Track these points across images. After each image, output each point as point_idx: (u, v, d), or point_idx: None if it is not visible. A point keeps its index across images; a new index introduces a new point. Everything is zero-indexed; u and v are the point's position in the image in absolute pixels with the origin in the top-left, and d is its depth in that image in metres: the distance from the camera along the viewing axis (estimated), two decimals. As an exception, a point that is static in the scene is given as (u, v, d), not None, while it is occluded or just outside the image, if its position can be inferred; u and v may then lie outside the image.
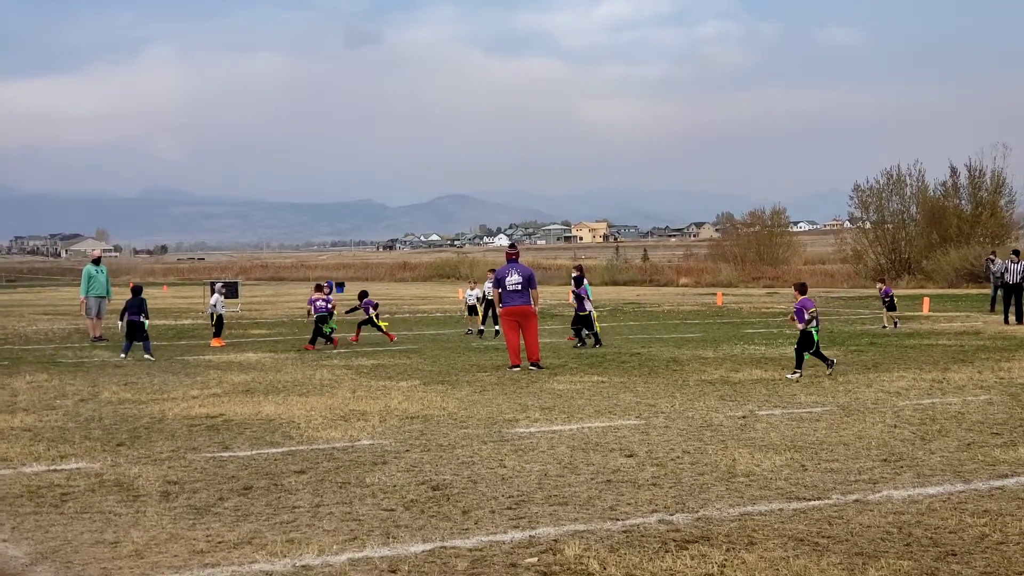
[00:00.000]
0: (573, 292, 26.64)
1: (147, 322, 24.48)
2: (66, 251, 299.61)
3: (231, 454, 11.93)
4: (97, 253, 32.66)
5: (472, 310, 31.47)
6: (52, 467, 11.23)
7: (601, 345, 25.16)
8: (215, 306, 28.82)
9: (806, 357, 18.87)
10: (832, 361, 19.15)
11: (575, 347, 25.20)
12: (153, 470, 11.01)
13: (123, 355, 23.67)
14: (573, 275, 27.61)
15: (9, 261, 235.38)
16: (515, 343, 20.73)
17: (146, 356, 23.50)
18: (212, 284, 37.64)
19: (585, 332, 25.67)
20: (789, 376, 18.52)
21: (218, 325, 28.34)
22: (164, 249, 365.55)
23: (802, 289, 19.67)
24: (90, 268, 29.55)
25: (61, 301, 51.19)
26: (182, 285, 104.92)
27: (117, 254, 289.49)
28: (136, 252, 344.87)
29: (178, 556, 7.85)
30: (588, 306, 25.39)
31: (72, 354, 24.31)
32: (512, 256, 21.97)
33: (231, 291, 43.16)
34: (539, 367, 20.42)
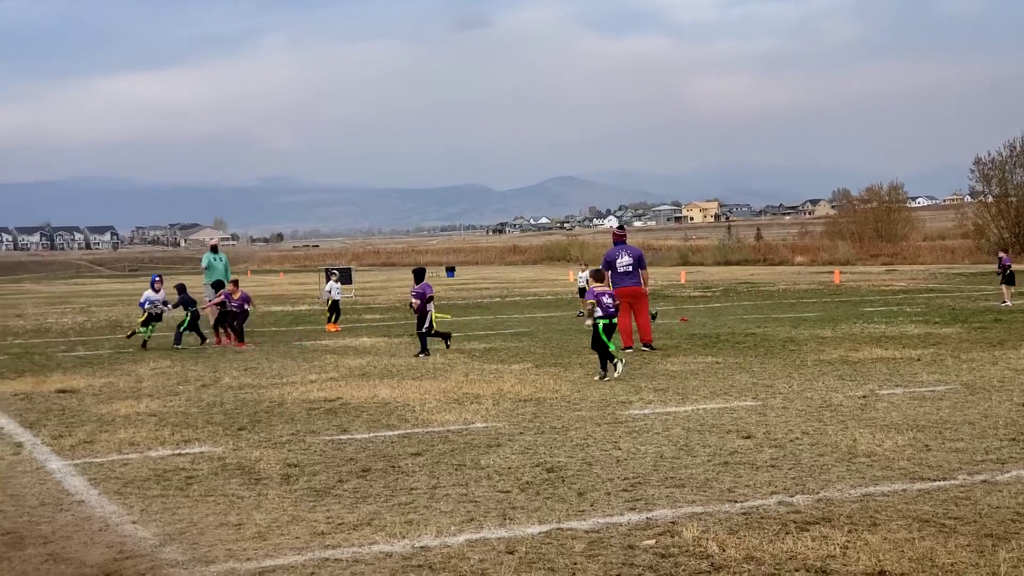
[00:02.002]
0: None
1: (168, 311, 25.01)
2: (185, 240, 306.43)
3: (349, 437, 12.10)
4: (215, 241, 33.26)
5: (583, 292, 31.41)
6: (177, 451, 11.51)
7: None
8: (330, 292, 29.23)
9: (612, 348, 16.71)
10: (619, 361, 16.65)
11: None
12: (274, 453, 11.22)
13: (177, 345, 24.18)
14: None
15: (131, 251, 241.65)
16: (627, 325, 20.64)
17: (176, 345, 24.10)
18: (327, 271, 38.17)
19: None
20: (614, 375, 16.40)
21: (333, 311, 28.74)
22: (280, 237, 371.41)
23: (597, 276, 17.94)
24: (208, 256, 30.11)
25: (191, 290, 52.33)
26: (297, 272, 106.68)
27: (235, 242, 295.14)
28: (253, 240, 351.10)
29: (300, 538, 7.98)
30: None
31: (193, 340, 24.85)
32: (620, 238, 21.85)
33: (345, 277, 43.72)
34: (652, 348, 20.32)
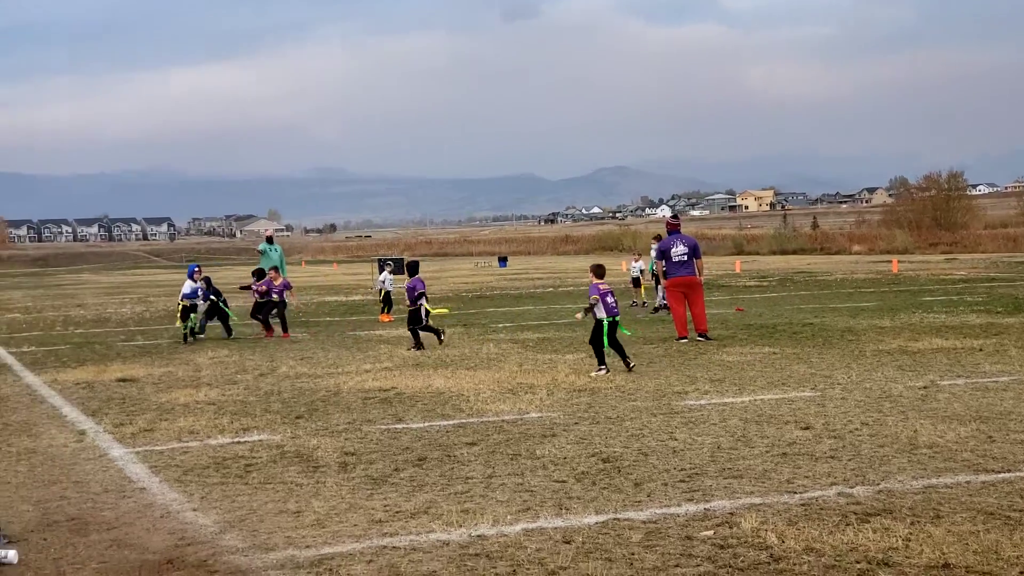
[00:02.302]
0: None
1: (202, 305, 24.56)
2: (240, 231, 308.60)
3: (405, 426, 12.15)
4: (270, 232, 33.50)
5: (636, 282, 31.28)
6: (236, 439, 11.62)
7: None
8: (384, 282, 29.34)
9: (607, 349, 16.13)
10: (630, 361, 16.27)
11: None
12: (331, 442, 11.29)
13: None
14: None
15: (187, 242, 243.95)
16: (682, 314, 20.54)
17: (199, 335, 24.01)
18: (380, 261, 38.32)
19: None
20: (594, 374, 15.85)
21: (387, 301, 28.85)
22: (333, 228, 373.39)
23: (598, 272, 16.88)
24: (264, 247, 30.38)
25: (237, 280, 52.60)
26: (351, 262, 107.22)
27: (288, 233, 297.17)
28: (307, 231, 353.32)
29: (358, 525, 8.03)
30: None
31: (250, 330, 25.04)
32: (674, 227, 21.73)
33: (398, 268, 43.84)
34: (707, 338, 20.21)
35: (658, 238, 30.02)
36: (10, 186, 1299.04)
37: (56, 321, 31.63)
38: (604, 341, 15.90)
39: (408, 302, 21.21)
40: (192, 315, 23.49)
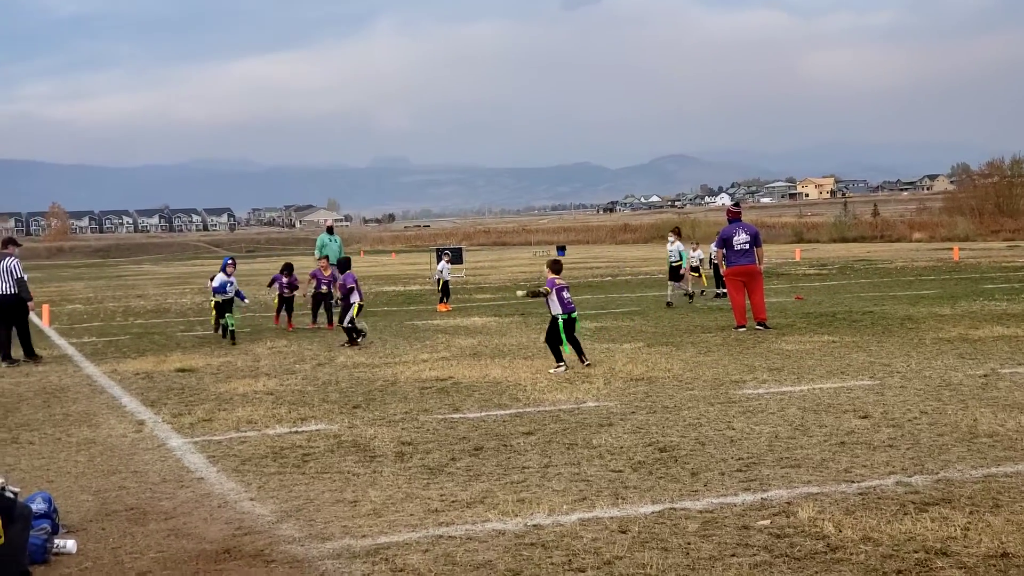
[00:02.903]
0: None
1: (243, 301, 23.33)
2: (300, 221, 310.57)
3: (461, 416, 12.18)
4: (330, 222, 33.71)
5: (696, 270, 31.02)
6: (294, 429, 11.71)
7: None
8: (441, 272, 29.43)
9: (566, 350, 15.70)
10: (564, 365, 15.63)
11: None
12: (388, 431, 11.34)
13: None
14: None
15: (247, 232, 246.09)
16: (741, 303, 20.40)
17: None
18: (438, 251, 38.45)
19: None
20: (552, 371, 15.35)
21: (444, 290, 28.95)
22: (392, 217, 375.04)
23: (554, 267, 16.46)
24: (324, 237, 30.47)
25: (297, 270, 53.08)
26: (409, 252, 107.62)
27: (348, 223, 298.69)
28: (366, 221, 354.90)
29: (414, 515, 8.06)
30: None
31: (309, 320, 25.20)
32: (736, 215, 21.58)
33: (456, 257, 43.96)
34: (766, 327, 20.07)
35: (676, 231, 29.81)
36: (74, 177, 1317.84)
37: (116, 312, 32.06)
38: (561, 338, 15.55)
39: (339, 297, 21.03)
40: (228, 314, 21.73)
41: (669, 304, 26.59)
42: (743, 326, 19.99)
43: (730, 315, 21.33)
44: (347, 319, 20.05)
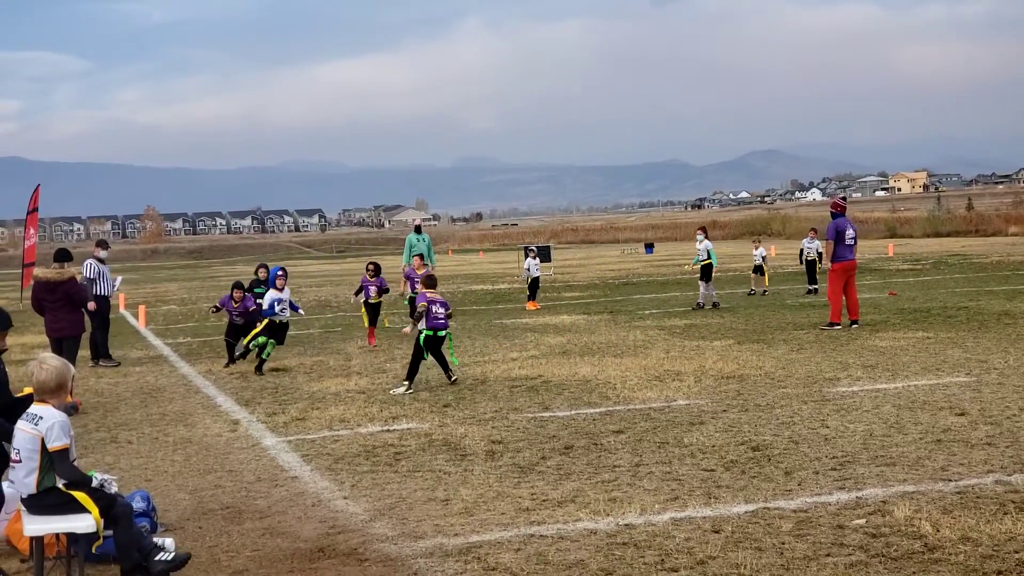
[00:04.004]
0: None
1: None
2: (389, 221, 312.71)
3: (551, 414, 12.18)
4: (418, 222, 33.89)
5: (759, 269, 29.90)
6: (385, 428, 11.80)
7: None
8: (529, 270, 29.45)
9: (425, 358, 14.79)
10: (451, 375, 15.00)
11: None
12: (478, 430, 11.38)
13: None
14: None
15: (338, 233, 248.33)
16: (840, 300, 19.97)
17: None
18: (526, 249, 38.47)
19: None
20: (393, 391, 14.44)
21: (533, 288, 28.96)
22: (479, 216, 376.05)
23: (428, 282, 15.52)
24: (412, 237, 30.63)
25: (386, 270, 53.52)
26: (497, 251, 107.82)
27: (436, 223, 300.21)
28: (453, 220, 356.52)
29: (505, 514, 8.08)
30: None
31: (398, 319, 25.37)
32: (843, 208, 21.03)
33: (544, 255, 43.94)
34: (858, 324, 19.76)
35: (703, 229, 28.94)
36: (167, 181, 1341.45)
37: (211, 312, 32.47)
38: (423, 354, 14.68)
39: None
40: (271, 340, 17.44)
41: (700, 306, 25.63)
42: (838, 324, 19.67)
43: (822, 311, 21.08)
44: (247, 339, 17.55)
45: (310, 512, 8.46)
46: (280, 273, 18.24)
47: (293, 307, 18.39)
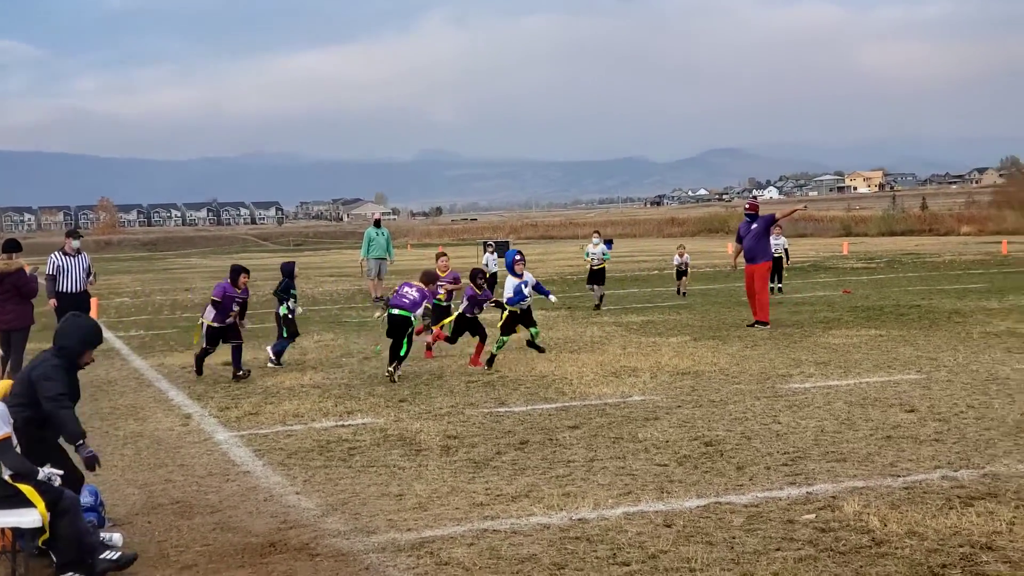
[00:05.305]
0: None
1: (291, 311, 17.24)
2: (347, 215, 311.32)
3: (507, 409, 12.20)
4: (377, 216, 33.79)
5: (683, 274, 29.58)
6: (340, 423, 11.77)
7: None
8: (487, 265, 29.43)
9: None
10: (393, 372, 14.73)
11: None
12: (434, 425, 11.39)
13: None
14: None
15: (295, 226, 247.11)
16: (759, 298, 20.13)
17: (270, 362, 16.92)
18: (484, 244, 38.43)
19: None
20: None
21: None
22: (439, 211, 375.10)
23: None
24: (371, 231, 30.54)
25: (344, 263, 53.34)
26: (457, 245, 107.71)
27: (395, 217, 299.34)
28: (413, 214, 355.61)
29: (459, 509, 8.10)
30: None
31: (356, 314, 25.30)
32: (756, 209, 20.98)
33: (503, 250, 43.86)
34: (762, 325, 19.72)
35: (598, 232, 28.86)
36: (122, 171, 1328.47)
37: (164, 305, 32.25)
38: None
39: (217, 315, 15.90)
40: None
41: (598, 306, 25.03)
42: (767, 323, 19.66)
43: (776, 309, 21.24)
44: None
45: (262, 507, 8.43)
46: (518, 257, 16.87)
47: (542, 290, 17.01)
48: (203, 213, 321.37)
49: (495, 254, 30.69)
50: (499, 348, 16.17)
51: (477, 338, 16.36)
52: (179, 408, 13.21)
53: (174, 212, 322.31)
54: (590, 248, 26.06)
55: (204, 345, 15.96)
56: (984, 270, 35.17)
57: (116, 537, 7.25)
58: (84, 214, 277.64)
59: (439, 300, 17.50)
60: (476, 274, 16.55)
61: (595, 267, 25.68)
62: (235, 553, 7.28)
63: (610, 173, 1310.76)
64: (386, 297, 14.86)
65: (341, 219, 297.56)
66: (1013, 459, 8.96)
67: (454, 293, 18.48)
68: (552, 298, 17.30)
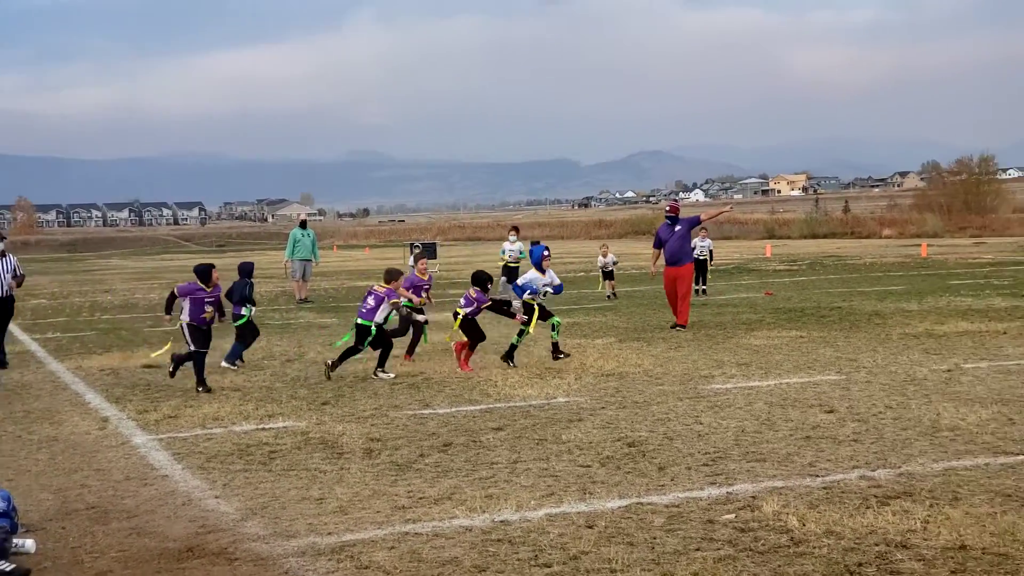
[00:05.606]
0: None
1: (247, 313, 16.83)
2: (272, 216, 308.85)
3: (431, 411, 12.17)
4: (303, 217, 33.55)
5: (609, 276, 29.52)
6: (261, 426, 11.65)
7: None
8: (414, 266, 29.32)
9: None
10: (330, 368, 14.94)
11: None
12: (356, 428, 11.32)
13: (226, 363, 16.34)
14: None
15: (219, 226, 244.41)
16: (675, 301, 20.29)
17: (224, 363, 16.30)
18: (411, 245, 38.35)
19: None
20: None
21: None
22: (366, 212, 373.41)
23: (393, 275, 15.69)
24: (296, 232, 30.32)
25: (268, 265, 52.91)
26: (383, 247, 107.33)
27: (321, 218, 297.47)
28: (340, 215, 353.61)
29: (380, 512, 8.05)
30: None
31: (279, 316, 25.10)
32: (676, 212, 21.16)
33: (429, 252, 43.75)
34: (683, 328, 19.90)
35: (515, 229, 28.94)
36: (41, 170, 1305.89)
37: (83, 307, 31.71)
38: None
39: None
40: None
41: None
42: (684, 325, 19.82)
43: (700, 311, 21.42)
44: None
45: (179, 511, 8.31)
46: (546, 253, 16.45)
47: (557, 289, 16.45)
48: (125, 213, 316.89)
49: (423, 256, 30.54)
50: (520, 340, 16.03)
51: (469, 341, 15.74)
52: (96, 411, 12.97)
53: (95, 212, 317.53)
54: (507, 245, 26.04)
55: (190, 347, 14.48)
56: (904, 272, 35.77)
57: (29, 543, 7.10)
58: (0, 214, 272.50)
59: (409, 303, 16.60)
60: (485, 278, 15.98)
61: (510, 264, 25.65)
62: (151, 559, 7.16)
63: (538, 175, 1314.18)
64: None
65: (266, 220, 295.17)
66: (928, 459, 9.11)
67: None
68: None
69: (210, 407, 12.81)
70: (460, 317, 15.66)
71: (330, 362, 15.00)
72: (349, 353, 15.17)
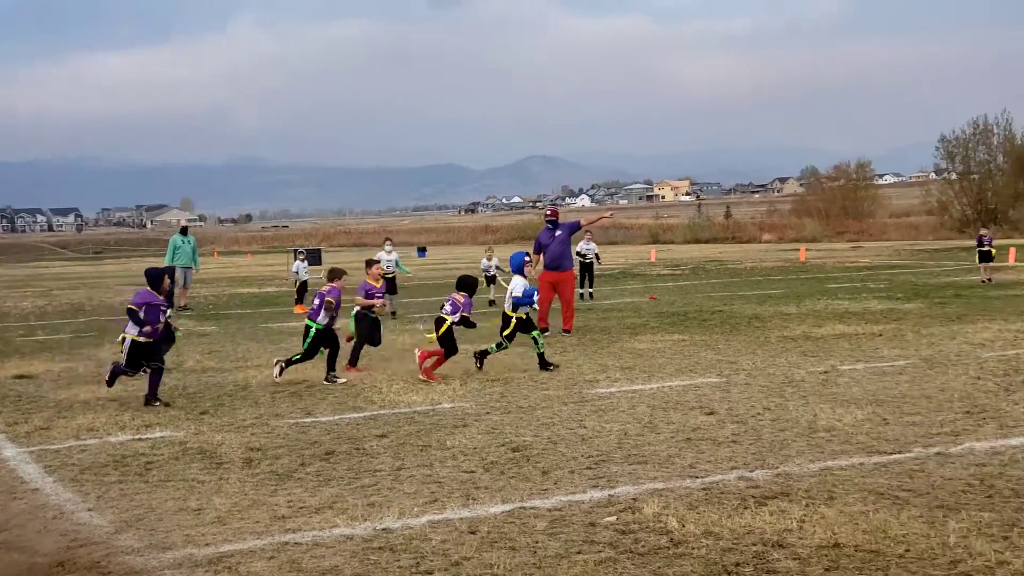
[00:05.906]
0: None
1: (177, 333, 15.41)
2: (151, 222, 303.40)
3: (314, 420, 12.03)
4: (184, 223, 33.04)
5: (492, 280, 29.47)
6: (137, 436, 11.39)
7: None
8: (298, 273, 29.08)
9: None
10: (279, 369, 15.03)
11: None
12: (236, 437, 11.13)
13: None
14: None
15: (95, 233, 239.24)
16: (546, 307, 20.37)
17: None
18: (295, 251, 37.98)
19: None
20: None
21: (301, 292, 28.60)
22: (248, 218, 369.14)
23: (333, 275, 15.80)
24: (176, 238, 29.85)
25: (141, 270, 51.93)
26: (266, 253, 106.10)
27: (202, 224, 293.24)
28: (221, 221, 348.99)
29: (260, 522, 7.93)
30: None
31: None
32: (556, 216, 21.38)
33: (314, 258, 43.48)
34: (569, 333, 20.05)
35: (389, 239, 29.11)
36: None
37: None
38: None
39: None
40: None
41: (394, 314, 25.19)
42: (546, 329, 19.91)
43: (586, 315, 21.55)
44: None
45: (50, 525, 8.08)
46: (527, 259, 16.40)
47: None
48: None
49: (306, 262, 30.38)
50: (497, 351, 15.77)
51: (443, 350, 15.17)
52: (-35, 424, 12.55)
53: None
54: (382, 255, 25.90)
55: (124, 365, 13.52)
56: (783, 276, 36.50)
57: None
58: None
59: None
60: (472, 283, 15.80)
61: (386, 275, 25.53)
62: (20, 574, 6.95)
63: (427, 180, 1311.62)
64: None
65: (145, 226, 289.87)
66: (805, 459, 9.27)
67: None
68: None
69: (84, 418, 12.47)
70: (446, 324, 15.19)
71: (284, 363, 15.10)
72: (302, 360, 15.10)
